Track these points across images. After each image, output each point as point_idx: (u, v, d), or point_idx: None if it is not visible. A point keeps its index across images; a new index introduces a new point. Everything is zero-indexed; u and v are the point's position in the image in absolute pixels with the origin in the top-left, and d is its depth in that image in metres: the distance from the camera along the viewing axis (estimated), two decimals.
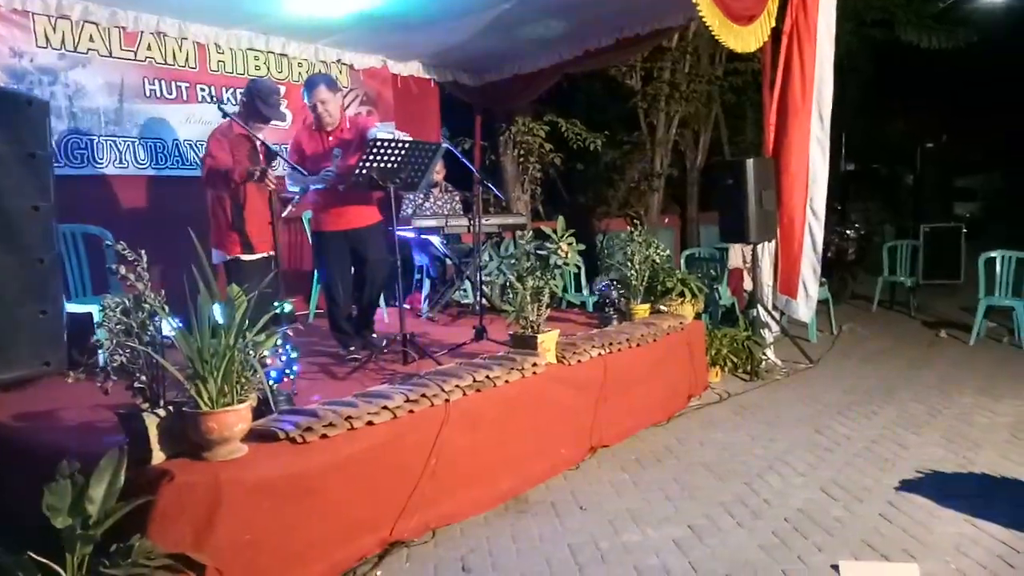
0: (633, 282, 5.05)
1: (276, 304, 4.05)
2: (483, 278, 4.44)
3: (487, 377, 3.44)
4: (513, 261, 3.82)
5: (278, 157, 3.97)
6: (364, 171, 3.74)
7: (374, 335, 4.26)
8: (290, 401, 3.09)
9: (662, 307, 5.11)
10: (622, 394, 4.25)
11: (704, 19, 4.72)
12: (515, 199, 8.03)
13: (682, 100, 9.76)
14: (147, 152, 4.98)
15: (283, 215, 3.97)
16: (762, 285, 5.91)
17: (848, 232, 9.51)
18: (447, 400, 3.20)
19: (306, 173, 4.09)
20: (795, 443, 4.01)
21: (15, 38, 4.37)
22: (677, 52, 9.65)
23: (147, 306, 2.49)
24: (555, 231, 3.91)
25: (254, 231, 3.85)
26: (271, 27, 5.54)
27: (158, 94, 5.07)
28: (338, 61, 6.28)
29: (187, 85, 5.25)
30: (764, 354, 5.60)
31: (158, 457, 2.48)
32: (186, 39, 5.19)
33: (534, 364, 3.69)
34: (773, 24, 5.46)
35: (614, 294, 4.98)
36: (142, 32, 4.95)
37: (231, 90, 5.52)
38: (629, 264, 5.06)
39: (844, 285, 9.02)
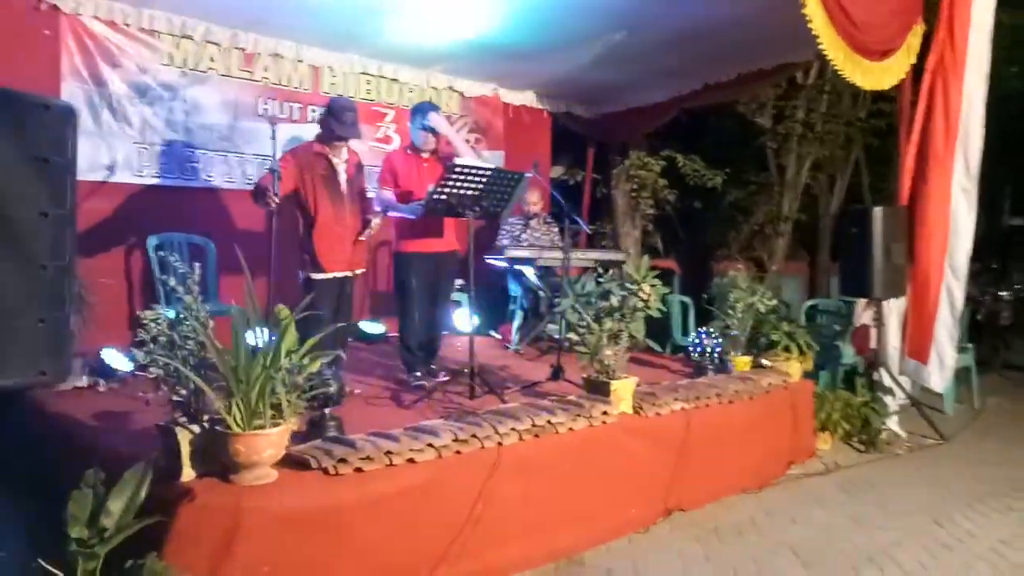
0: (733, 331, 4.67)
1: (344, 325, 4.04)
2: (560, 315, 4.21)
3: (548, 422, 3.20)
4: (588, 300, 3.57)
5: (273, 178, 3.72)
6: (443, 196, 3.65)
7: (432, 366, 4.13)
8: (340, 427, 2.99)
9: (765, 361, 4.68)
10: (707, 454, 3.88)
11: (826, 52, 4.31)
12: (624, 235, 7.75)
13: (816, 141, 9.15)
14: (255, 168, 5.15)
15: (361, 237, 3.93)
16: (887, 346, 5.30)
17: (1004, 293, 8.48)
18: (500, 443, 3.00)
19: (394, 195, 4.08)
20: (907, 534, 3.48)
21: (142, 56, 4.66)
22: (813, 90, 9.08)
23: (190, 319, 2.46)
24: (638, 270, 3.63)
25: (325, 250, 3.82)
26: (383, 52, 5.65)
27: (270, 113, 5.25)
28: (449, 88, 6.32)
29: (299, 106, 5.42)
30: (884, 423, 5.00)
31: (188, 474, 2.44)
32: (301, 61, 5.37)
33: (604, 412, 3.42)
34: (913, 60, 4.95)
35: (710, 342, 4.60)
36: (260, 53, 5.16)
37: None
38: (731, 312, 4.68)
39: (995, 353, 8.02)
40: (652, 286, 3.65)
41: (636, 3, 4.72)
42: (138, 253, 4.62)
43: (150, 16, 4.61)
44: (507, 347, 5.64)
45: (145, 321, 2.35)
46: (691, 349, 4.76)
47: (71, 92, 4.38)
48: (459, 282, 5.55)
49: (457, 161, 3.72)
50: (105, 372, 3.92)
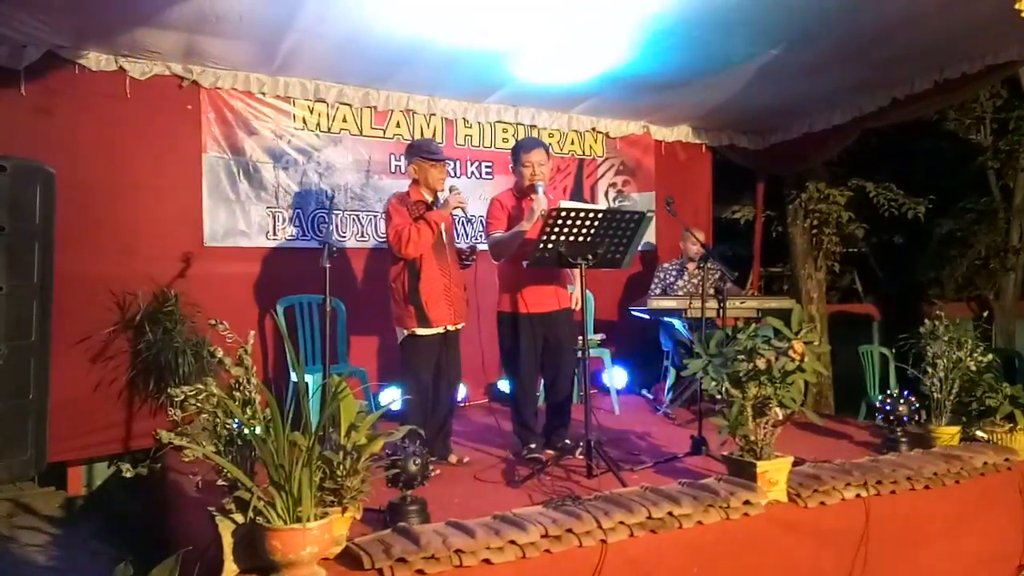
0: (935, 394, 3.76)
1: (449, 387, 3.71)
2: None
3: (670, 514, 2.63)
4: (723, 360, 2.96)
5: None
6: (550, 244, 3.24)
7: (567, 441, 3.64)
8: (423, 512, 2.64)
9: (979, 433, 3.71)
10: (897, 557, 3.06)
11: None
12: (804, 277, 6.81)
13: None
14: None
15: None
16: None
17: None
18: (603, 540, 2.47)
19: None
20: None
21: (277, 122, 4.77)
22: None
23: (239, 395, 2.24)
24: (789, 324, 2.97)
25: (431, 302, 3.57)
26: (519, 97, 5.40)
27: (403, 170, 5.14)
28: (592, 129, 5.94)
29: None
30: None
31: (230, 570, 2.18)
32: (434, 115, 5.27)
33: (746, 502, 2.77)
34: None
35: (903, 408, 3.72)
36: (392, 110, 5.13)
37: (476, 164, 5.48)
38: (930, 370, 3.79)
39: None
40: (807, 343, 2.97)
41: (796, 8, 4.07)
42: (270, 317, 4.65)
43: (285, 83, 4.72)
44: (657, 409, 5.03)
45: (177, 399, 2.15)
46: (881, 416, 3.90)
47: (211, 162, 4.56)
48: (600, 336, 5.09)
49: (561, 204, 3.31)
50: None
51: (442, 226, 3.65)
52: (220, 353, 2.28)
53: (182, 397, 2.15)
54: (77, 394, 3.99)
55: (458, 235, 4.95)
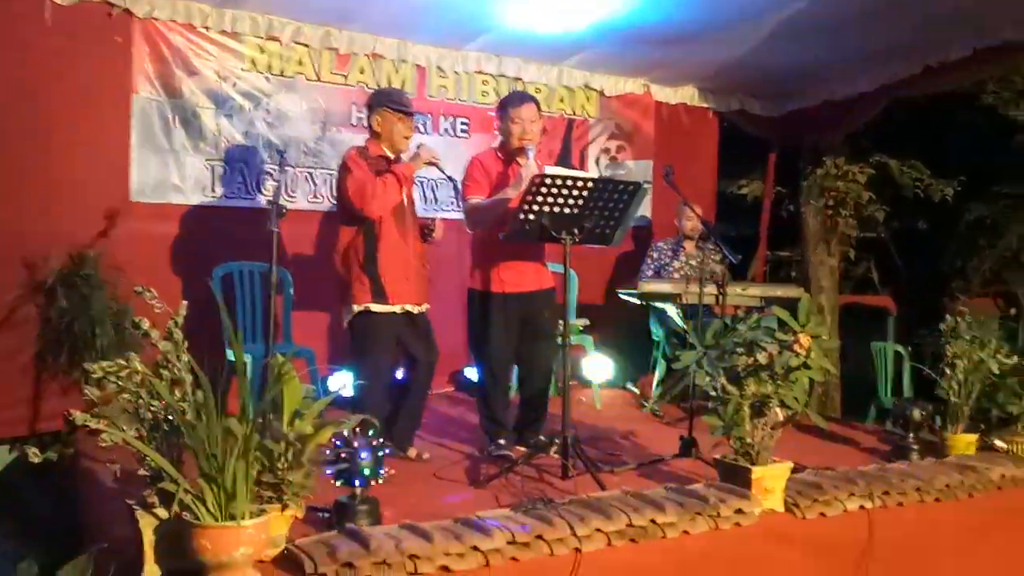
0: (952, 399, 3.85)
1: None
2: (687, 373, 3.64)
3: (652, 521, 2.67)
4: (720, 352, 3.00)
5: None
6: (532, 215, 3.24)
7: (541, 437, 3.67)
8: (374, 513, 2.66)
9: (998, 443, 3.81)
10: (904, 575, 3.14)
11: None
12: (817, 264, 6.89)
13: None
14: None
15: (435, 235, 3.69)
16: None
17: None
18: (577, 549, 2.52)
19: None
20: None
21: (222, 61, 4.71)
22: None
23: (166, 374, 2.23)
24: (795, 315, 3.02)
25: (389, 277, 3.54)
26: (503, 45, 5.39)
27: (366, 122, 5.12)
28: (585, 86, 5.95)
29: None
30: None
31: (151, 572, 2.19)
32: (405, 61, 5.24)
33: (738, 511, 2.82)
34: None
35: (916, 413, 3.81)
36: (356, 54, 5.08)
37: (450, 120, 5.46)
38: (948, 372, 3.87)
39: None
40: (815, 337, 3.02)
41: None
42: (205, 285, 4.62)
43: (233, 17, 4.65)
44: (643, 405, 5.10)
45: (94, 376, 2.14)
46: (892, 420, 4.01)
47: (142, 105, 4.49)
48: (583, 322, 5.14)
49: (547, 170, 3.31)
50: None
51: (403, 191, 3.62)
52: (146, 325, 2.27)
53: (100, 374, 2.14)
54: None
55: (426, 200, 4.94)
